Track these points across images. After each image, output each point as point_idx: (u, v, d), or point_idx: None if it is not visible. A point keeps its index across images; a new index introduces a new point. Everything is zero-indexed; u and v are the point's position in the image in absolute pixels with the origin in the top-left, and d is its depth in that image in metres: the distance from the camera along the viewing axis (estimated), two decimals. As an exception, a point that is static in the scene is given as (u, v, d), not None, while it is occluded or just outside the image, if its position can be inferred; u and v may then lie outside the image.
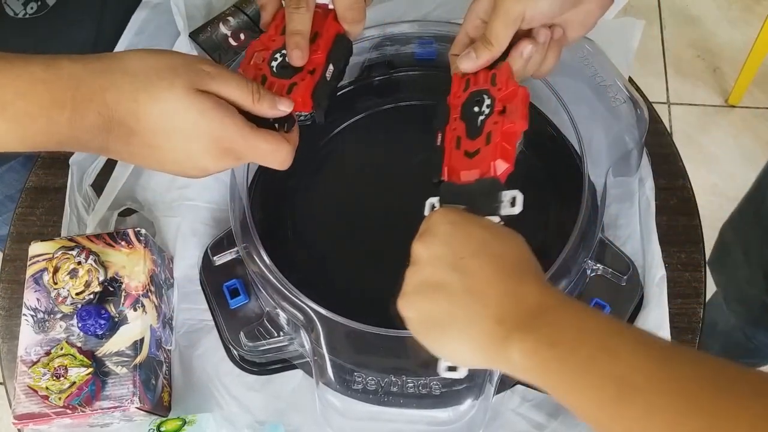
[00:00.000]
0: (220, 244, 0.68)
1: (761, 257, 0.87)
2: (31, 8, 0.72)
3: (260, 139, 0.48)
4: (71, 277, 0.63)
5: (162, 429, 0.62)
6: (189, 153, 0.47)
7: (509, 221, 0.66)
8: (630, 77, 0.78)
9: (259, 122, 0.50)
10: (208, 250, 0.68)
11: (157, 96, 0.44)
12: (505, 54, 0.53)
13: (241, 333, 0.64)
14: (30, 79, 0.43)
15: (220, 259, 0.68)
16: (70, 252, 0.63)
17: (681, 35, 1.75)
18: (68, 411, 0.59)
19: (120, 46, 0.81)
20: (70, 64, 0.44)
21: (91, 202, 0.76)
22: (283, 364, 0.67)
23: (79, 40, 0.80)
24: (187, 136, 0.45)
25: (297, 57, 0.55)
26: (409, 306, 0.44)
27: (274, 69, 0.55)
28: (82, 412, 0.59)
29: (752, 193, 0.91)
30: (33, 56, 0.44)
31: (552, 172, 0.68)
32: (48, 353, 0.61)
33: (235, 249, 0.66)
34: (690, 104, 1.68)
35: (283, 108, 0.51)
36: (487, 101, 0.52)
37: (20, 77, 0.43)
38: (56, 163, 0.79)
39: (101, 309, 0.62)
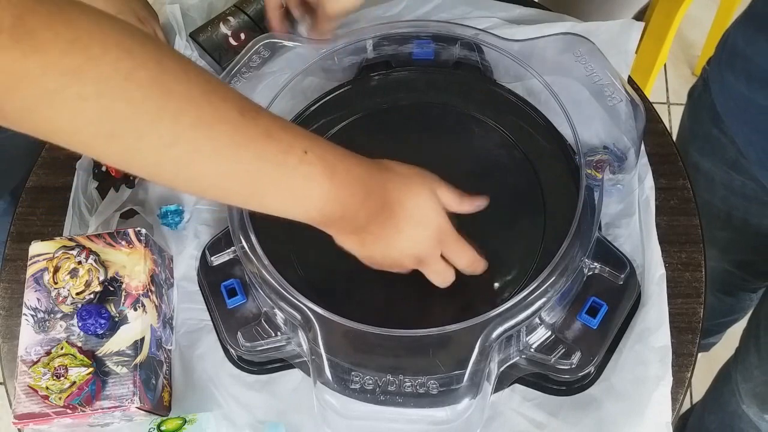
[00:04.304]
0: (217, 244, 0.68)
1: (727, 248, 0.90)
2: None
3: (467, 243, 0.58)
4: (71, 277, 0.63)
5: (162, 428, 0.63)
6: (417, 239, 0.56)
7: (513, 220, 0.66)
8: (629, 77, 0.79)
9: None
10: (206, 250, 0.68)
11: (416, 191, 0.55)
12: None
13: (239, 333, 0.64)
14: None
15: (217, 259, 0.68)
16: (70, 252, 0.64)
17: (681, 35, 1.74)
18: (68, 411, 0.59)
19: None
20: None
21: (95, 203, 0.76)
22: (281, 363, 0.67)
23: None
24: (424, 224, 0.56)
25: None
26: None
27: None
28: (83, 411, 0.59)
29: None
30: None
31: (549, 171, 0.68)
32: (48, 353, 0.61)
33: (233, 249, 0.66)
34: (690, 104, 1.67)
35: (479, 203, 0.60)
36: None
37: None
38: (56, 162, 0.80)
39: (101, 309, 0.62)
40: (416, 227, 0.55)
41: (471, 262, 0.59)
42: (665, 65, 1.71)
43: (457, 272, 0.59)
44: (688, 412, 1.28)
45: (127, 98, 0.40)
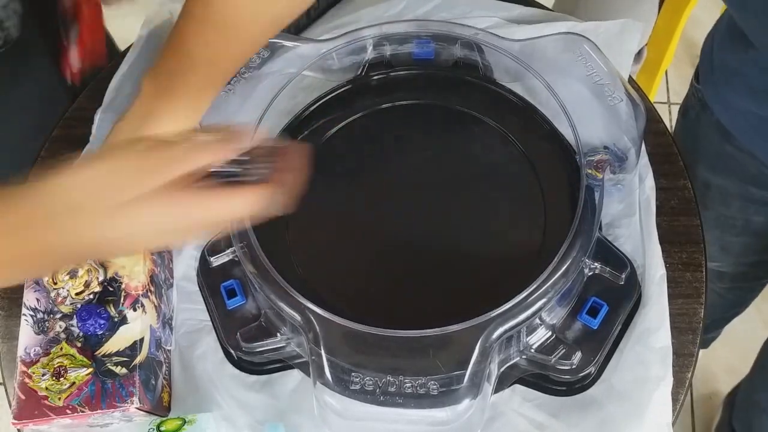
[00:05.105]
0: (217, 245, 0.68)
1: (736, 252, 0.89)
2: None
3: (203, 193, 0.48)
4: (71, 277, 0.63)
5: (162, 429, 0.62)
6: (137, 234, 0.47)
7: (513, 220, 0.65)
8: (630, 76, 0.78)
9: None
10: (205, 251, 0.68)
11: (88, 212, 0.49)
12: None
13: (239, 334, 0.64)
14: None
15: (217, 260, 0.68)
16: (69, 252, 0.64)
17: (681, 35, 1.74)
18: (68, 411, 0.59)
19: (123, 66, 0.81)
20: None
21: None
22: (281, 363, 0.67)
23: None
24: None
25: None
26: None
27: None
28: (82, 412, 0.59)
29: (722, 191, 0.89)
30: None
31: (550, 171, 0.68)
32: (47, 353, 0.61)
33: (232, 250, 0.66)
34: (691, 104, 1.67)
35: None
36: None
37: None
38: (56, 162, 0.79)
39: (101, 309, 0.62)
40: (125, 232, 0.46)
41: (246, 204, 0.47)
42: (665, 65, 1.71)
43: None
44: (735, 390, 1.25)
45: None
